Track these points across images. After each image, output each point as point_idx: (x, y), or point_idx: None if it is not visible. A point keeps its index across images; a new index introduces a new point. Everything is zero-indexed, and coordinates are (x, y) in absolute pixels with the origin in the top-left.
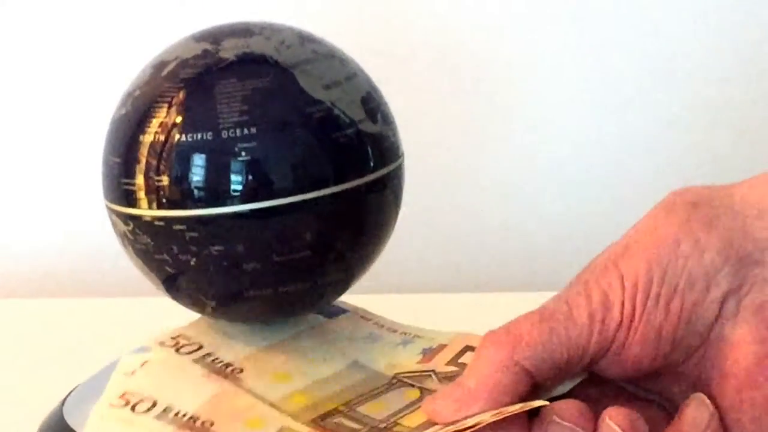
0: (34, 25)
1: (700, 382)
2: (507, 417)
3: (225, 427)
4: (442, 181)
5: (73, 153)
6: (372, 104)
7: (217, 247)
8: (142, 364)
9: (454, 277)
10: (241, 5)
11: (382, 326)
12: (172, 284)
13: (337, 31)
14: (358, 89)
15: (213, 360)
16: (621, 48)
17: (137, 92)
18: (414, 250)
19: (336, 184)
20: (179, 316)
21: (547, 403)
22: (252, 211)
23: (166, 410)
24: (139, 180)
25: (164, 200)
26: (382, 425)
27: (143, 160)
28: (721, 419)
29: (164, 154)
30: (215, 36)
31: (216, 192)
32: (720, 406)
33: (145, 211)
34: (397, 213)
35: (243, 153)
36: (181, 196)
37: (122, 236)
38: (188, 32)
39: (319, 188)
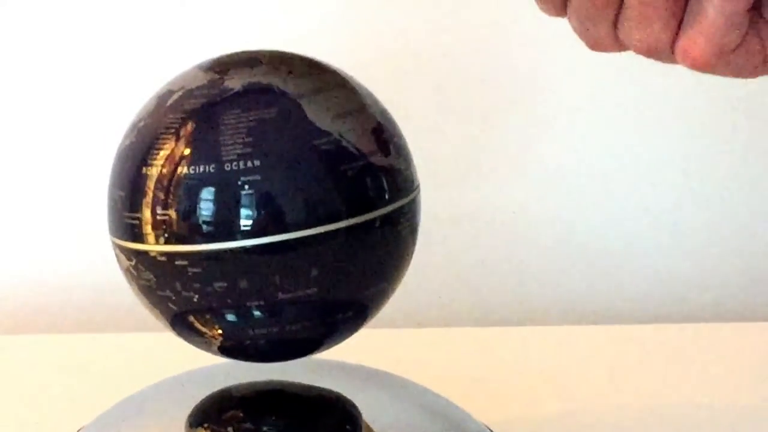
0: (39, 52)
1: None
2: None
3: None
4: (459, 214)
5: (82, 186)
6: (384, 135)
7: (220, 284)
8: None
9: (472, 311)
10: (254, 34)
11: None
12: (177, 321)
13: (348, 57)
14: (369, 120)
15: None
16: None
17: (142, 123)
18: (431, 283)
19: (345, 218)
20: (187, 353)
21: None
22: (256, 246)
23: None
24: (143, 214)
25: (167, 235)
26: None
27: (147, 194)
28: None
29: (168, 188)
30: (222, 65)
31: (218, 227)
32: None
33: (148, 246)
34: (413, 247)
35: (246, 186)
36: (184, 230)
37: (126, 272)
38: (197, 61)
39: (325, 223)
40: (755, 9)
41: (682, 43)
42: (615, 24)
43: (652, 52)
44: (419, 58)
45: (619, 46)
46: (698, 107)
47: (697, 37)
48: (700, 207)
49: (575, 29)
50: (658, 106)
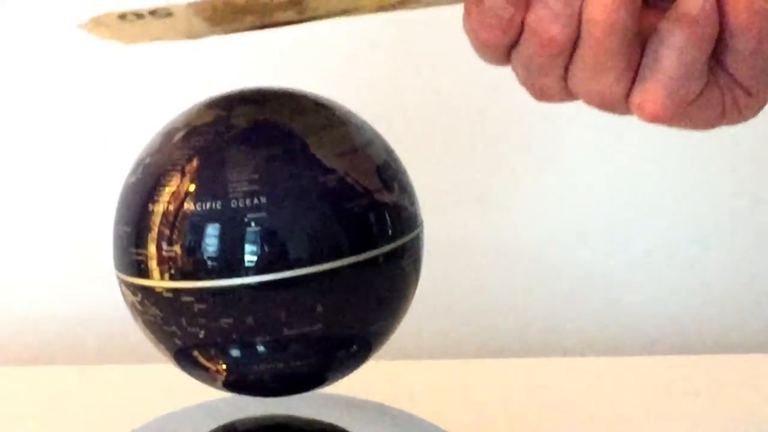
0: (42, 94)
1: None
2: None
3: None
4: (460, 248)
5: (88, 221)
6: (388, 173)
7: (226, 320)
8: None
9: (477, 343)
10: (259, 71)
11: None
12: (181, 356)
13: (352, 94)
14: (374, 157)
15: None
16: None
17: (148, 160)
18: (435, 315)
19: (350, 255)
20: (192, 387)
21: None
22: (261, 283)
23: None
24: (149, 250)
25: (173, 271)
26: None
27: (153, 230)
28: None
29: (174, 224)
30: (228, 102)
31: (225, 263)
32: None
33: (154, 282)
34: (416, 283)
35: (252, 223)
36: (190, 267)
37: (131, 307)
38: (202, 98)
39: (330, 260)
40: (713, 57)
41: (639, 95)
42: (565, 74)
43: (604, 104)
44: (423, 93)
45: (569, 96)
46: (703, 137)
47: (655, 89)
48: (707, 235)
49: (520, 79)
50: (663, 137)
